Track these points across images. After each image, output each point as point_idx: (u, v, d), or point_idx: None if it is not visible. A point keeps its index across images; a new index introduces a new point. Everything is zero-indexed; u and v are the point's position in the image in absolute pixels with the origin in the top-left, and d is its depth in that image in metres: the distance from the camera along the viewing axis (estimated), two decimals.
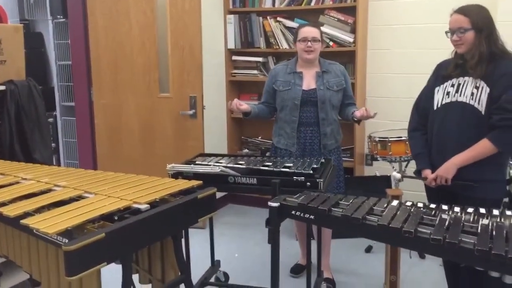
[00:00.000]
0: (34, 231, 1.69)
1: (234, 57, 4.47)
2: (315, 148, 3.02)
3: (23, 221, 1.73)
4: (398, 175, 2.71)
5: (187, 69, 3.90)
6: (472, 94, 2.28)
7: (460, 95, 2.32)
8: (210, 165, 2.68)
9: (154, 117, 4.02)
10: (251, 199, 4.40)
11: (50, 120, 4.46)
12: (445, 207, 1.88)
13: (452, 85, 2.36)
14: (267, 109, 3.15)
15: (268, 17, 4.24)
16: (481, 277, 1.83)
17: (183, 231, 2.19)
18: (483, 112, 2.25)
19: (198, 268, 2.89)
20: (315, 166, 2.58)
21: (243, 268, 3.38)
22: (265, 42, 4.31)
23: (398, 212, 1.82)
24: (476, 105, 2.27)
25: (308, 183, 2.44)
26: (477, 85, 2.27)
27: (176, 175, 2.60)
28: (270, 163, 2.66)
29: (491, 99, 2.23)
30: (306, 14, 4.16)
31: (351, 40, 3.93)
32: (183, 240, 2.16)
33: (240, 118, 4.54)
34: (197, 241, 3.09)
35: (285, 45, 4.19)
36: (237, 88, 4.61)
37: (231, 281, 3.14)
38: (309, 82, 3.01)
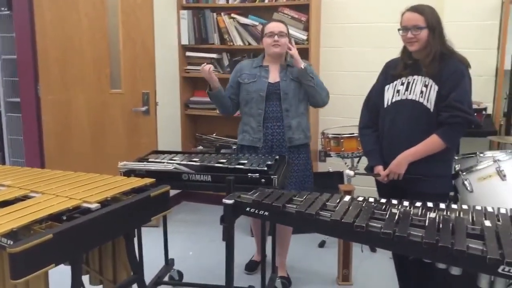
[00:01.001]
0: None
1: (188, 53, 4.42)
2: (283, 145, 2.97)
3: None
4: (351, 172, 2.76)
5: (139, 64, 3.82)
6: (422, 92, 2.35)
7: (410, 93, 2.39)
8: (163, 162, 2.64)
9: (105, 113, 3.92)
10: (206, 197, 4.37)
11: None
12: (395, 201, 1.93)
13: (402, 84, 2.43)
14: (230, 101, 3.08)
15: (222, 14, 4.21)
16: (429, 269, 1.90)
17: (136, 230, 2.15)
18: (431, 110, 2.33)
19: (152, 267, 2.85)
20: (269, 162, 2.59)
21: (198, 266, 3.36)
22: (219, 38, 4.28)
23: (350, 207, 1.85)
24: (425, 103, 2.34)
25: (263, 180, 2.44)
26: (426, 83, 2.35)
27: (128, 173, 2.54)
28: (225, 160, 2.65)
29: (440, 97, 2.31)
30: (260, 11, 4.17)
31: (305, 37, 3.97)
32: (135, 239, 2.12)
33: (195, 115, 4.51)
34: (150, 240, 3.04)
35: (239, 42, 4.19)
36: (191, 84, 4.57)
37: (185, 280, 3.11)
38: (275, 75, 2.98)
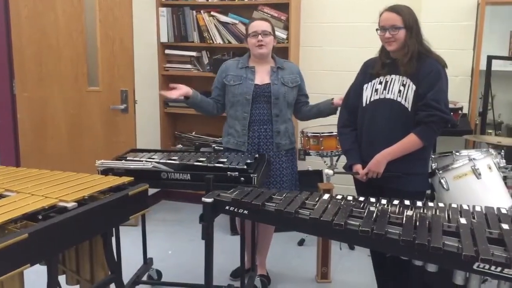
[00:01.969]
0: None
1: (167, 51, 4.39)
2: (270, 148, 2.89)
3: None
4: (331, 172, 2.78)
5: (117, 62, 3.78)
6: (399, 91, 2.38)
7: (388, 92, 2.41)
8: (142, 161, 2.62)
9: (82, 111, 3.86)
10: (185, 195, 4.35)
11: None
12: (373, 199, 1.95)
13: (380, 83, 2.45)
14: (213, 103, 2.97)
15: (201, 11, 4.19)
16: (406, 266, 1.92)
17: (114, 229, 2.12)
18: (409, 109, 2.36)
19: (130, 266, 2.82)
20: (249, 161, 2.58)
21: (177, 265, 3.34)
22: (199, 36, 4.26)
23: (329, 206, 1.86)
24: (403, 102, 2.37)
25: (242, 178, 2.44)
26: (404, 82, 2.38)
27: (106, 171, 2.51)
28: (204, 159, 2.64)
29: (417, 96, 2.34)
30: (240, 10, 4.16)
31: (284, 36, 3.98)
32: (113, 239, 2.10)
33: (174, 113, 4.49)
34: (129, 239, 3.01)
35: (219, 40, 4.17)
36: (170, 82, 4.47)
37: (164, 279, 3.09)
38: (262, 77, 2.88)
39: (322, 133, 3.40)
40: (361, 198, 1.97)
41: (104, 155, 2.80)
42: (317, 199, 1.95)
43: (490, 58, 3.48)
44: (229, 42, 4.16)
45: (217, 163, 2.56)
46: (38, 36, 3.79)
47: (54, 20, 3.76)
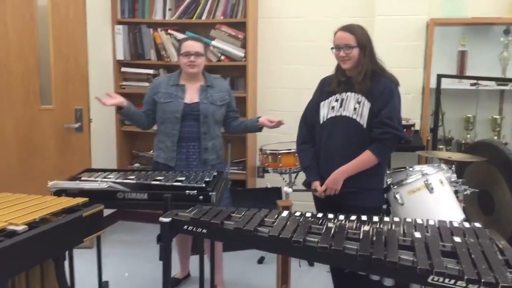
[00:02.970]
0: None
1: (124, 69, 4.34)
2: (196, 164, 2.96)
3: None
4: (290, 190, 2.79)
5: (72, 79, 3.69)
6: (355, 109, 2.44)
7: (344, 110, 2.46)
8: (97, 181, 2.55)
9: (34, 130, 3.73)
10: (143, 215, 4.26)
11: None
12: (331, 215, 1.97)
13: (336, 100, 2.50)
14: (145, 116, 3.07)
15: (158, 29, 4.17)
16: (364, 281, 1.94)
17: (67, 252, 2.04)
18: (364, 126, 2.42)
19: None
20: (207, 179, 2.56)
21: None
22: (156, 54, 4.23)
23: (288, 223, 1.87)
24: (358, 119, 2.42)
25: (201, 197, 2.42)
26: (359, 100, 2.43)
27: (59, 192, 2.43)
28: (162, 178, 2.60)
29: (372, 114, 2.40)
30: (197, 28, 4.17)
31: (242, 54, 4.01)
32: (66, 262, 2.02)
33: (131, 131, 4.41)
34: (83, 262, 2.90)
35: (176, 58, 4.16)
36: (127, 100, 4.45)
37: None
38: (192, 95, 2.97)
39: (280, 150, 3.43)
40: (320, 215, 1.99)
41: (57, 176, 2.71)
42: (276, 216, 1.95)
43: (439, 77, 3.62)
44: None
45: (175, 181, 2.53)
46: None
47: (4, 35, 3.62)
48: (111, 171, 2.84)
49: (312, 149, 2.60)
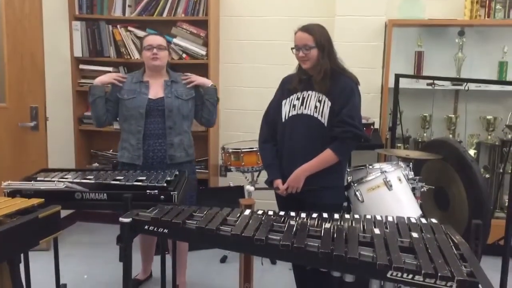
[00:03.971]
0: None
1: (82, 66, 4.23)
2: (164, 162, 2.89)
3: None
4: (252, 188, 2.80)
5: (27, 77, 3.56)
6: (316, 107, 2.46)
7: (305, 108, 2.48)
8: (53, 181, 2.49)
9: None
10: (102, 216, 4.17)
11: None
12: (293, 213, 1.99)
13: (298, 99, 2.52)
14: (105, 111, 2.97)
15: (118, 26, 4.09)
16: (325, 278, 1.97)
17: (22, 254, 1.98)
18: (325, 124, 2.45)
19: None
20: (169, 178, 2.54)
21: None
22: (115, 51, 4.15)
23: (250, 221, 1.87)
24: (319, 117, 2.45)
25: (162, 197, 2.39)
26: (320, 99, 2.46)
27: (14, 193, 2.35)
28: (122, 177, 2.56)
29: (333, 112, 2.43)
30: (158, 25, 4.11)
31: (204, 53, 3.99)
32: (21, 265, 1.95)
33: (90, 130, 4.31)
34: (40, 265, 2.82)
35: (136, 55, 4.09)
36: (85, 98, 4.33)
37: None
38: (156, 91, 2.92)
39: (243, 149, 3.43)
40: (282, 213, 2.00)
41: (11, 176, 2.61)
42: (238, 215, 1.95)
43: (397, 77, 3.71)
44: None
45: (135, 181, 2.49)
46: None
47: None
48: (69, 171, 2.76)
49: (274, 147, 2.61)
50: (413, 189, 2.74)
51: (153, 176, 2.59)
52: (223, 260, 3.65)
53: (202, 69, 4.02)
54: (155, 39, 2.93)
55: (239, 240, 1.75)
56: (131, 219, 1.91)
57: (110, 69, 4.16)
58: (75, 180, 2.50)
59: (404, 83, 3.80)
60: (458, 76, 3.90)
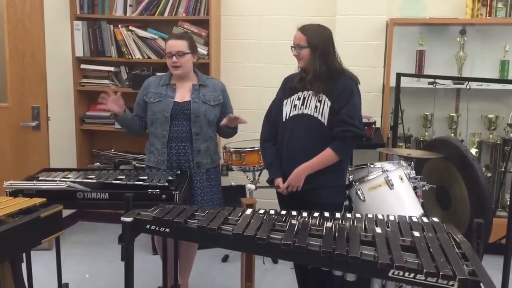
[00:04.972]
0: None
1: (83, 66, 4.23)
2: (190, 167, 2.81)
3: None
4: (253, 186, 2.80)
5: (28, 76, 3.57)
6: (316, 107, 2.46)
7: (305, 108, 2.49)
8: (55, 180, 2.49)
9: None
10: (104, 215, 4.17)
11: None
12: (294, 212, 1.99)
13: (298, 98, 2.52)
14: (138, 121, 2.90)
15: (119, 26, 4.09)
16: (327, 277, 1.97)
17: (24, 254, 1.98)
18: (325, 124, 2.45)
19: None
20: (170, 178, 2.54)
21: None
22: (116, 51, 4.15)
23: (252, 221, 1.87)
24: (319, 117, 2.45)
25: (164, 196, 2.39)
26: (320, 99, 2.46)
27: (16, 193, 2.36)
28: (123, 177, 2.56)
29: (332, 112, 2.43)
30: (160, 25, 4.11)
31: (205, 52, 3.99)
32: (24, 264, 1.96)
33: (91, 130, 4.32)
34: (42, 264, 2.83)
35: (138, 55, 4.09)
36: (86, 98, 4.36)
37: None
38: (183, 94, 2.82)
39: (244, 148, 3.43)
40: (283, 212, 2.00)
41: (13, 176, 2.62)
42: (240, 214, 1.95)
43: (399, 76, 3.71)
44: (149, 58, 4.10)
45: (137, 180, 2.49)
46: None
47: None
48: (71, 170, 2.77)
49: (275, 147, 2.61)
50: (415, 188, 2.74)
51: (155, 175, 2.60)
52: (225, 259, 3.66)
53: (204, 69, 4.02)
54: (175, 45, 2.76)
55: (241, 240, 1.75)
56: (132, 218, 1.91)
57: (111, 68, 4.17)
58: (77, 180, 2.50)
59: (405, 82, 3.80)
60: (459, 75, 3.90)
